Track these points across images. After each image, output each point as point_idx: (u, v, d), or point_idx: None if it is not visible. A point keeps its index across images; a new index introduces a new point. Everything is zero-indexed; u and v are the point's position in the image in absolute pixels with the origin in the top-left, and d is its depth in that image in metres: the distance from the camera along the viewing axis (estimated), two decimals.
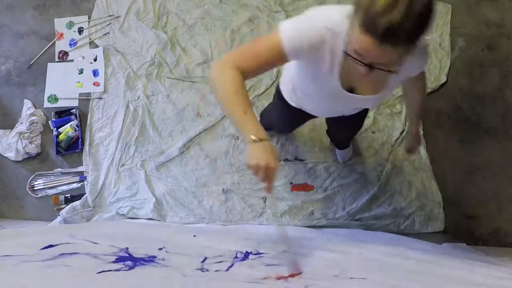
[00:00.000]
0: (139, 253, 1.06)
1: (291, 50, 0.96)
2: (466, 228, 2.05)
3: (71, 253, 0.96)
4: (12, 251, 0.89)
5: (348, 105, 1.23)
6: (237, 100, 0.96)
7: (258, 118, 1.85)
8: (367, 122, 2.20)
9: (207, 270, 1.00)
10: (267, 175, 0.95)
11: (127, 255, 1.03)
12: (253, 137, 0.94)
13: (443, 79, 2.24)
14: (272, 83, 2.30)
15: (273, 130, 2.09)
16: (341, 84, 1.07)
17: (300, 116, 1.51)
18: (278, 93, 1.48)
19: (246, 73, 0.99)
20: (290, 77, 1.30)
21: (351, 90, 1.11)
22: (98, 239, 1.13)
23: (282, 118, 1.70)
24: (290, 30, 0.96)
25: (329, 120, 1.83)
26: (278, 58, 0.98)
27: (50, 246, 0.98)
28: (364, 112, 1.53)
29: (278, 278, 0.97)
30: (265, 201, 2.15)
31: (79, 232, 1.25)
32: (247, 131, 0.96)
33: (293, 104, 1.42)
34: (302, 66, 1.12)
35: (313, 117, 1.51)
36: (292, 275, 0.99)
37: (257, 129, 0.96)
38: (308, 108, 1.39)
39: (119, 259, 0.98)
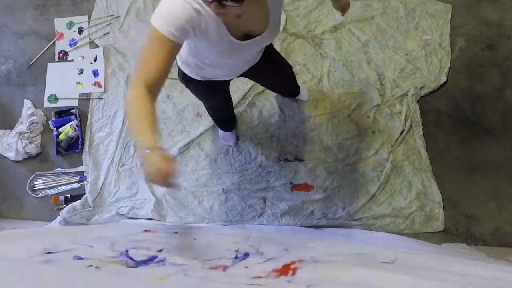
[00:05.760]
0: (140, 255, 1.06)
1: (175, 34, 1.00)
2: (466, 228, 2.04)
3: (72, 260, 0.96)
4: (15, 255, 0.89)
5: (251, 52, 1.27)
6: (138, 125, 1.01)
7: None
8: (367, 122, 2.20)
9: (207, 269, 1.00)
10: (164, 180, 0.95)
11: (128, 259, 1.03)
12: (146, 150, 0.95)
13: (443, 79, 2.24)
14: None
15: (222, 121, 2.09)
16: (234, 37, 1.12)
17: (218, 86, 1.53)
18: (183, 79, 1.49)
19: (155, 82, 1.03)
20: (185, 58, 1.33)
21: (246, 36, 1.15)
22: (99, 244, 1.13)
23: (209, 98, 1.72)
24: (162, 19, 1.00)
25: (255, 77, 1.80)
26: (171, 48, 1.02)
27: (51, 252, 0.99)
28: (272, 52, 1.57)
29: (280, 274, 0.97)
30: (265, 201, 2.15)
31: (80, 236, 1.25)
32: (140, 143, 0.99)
33: (203, 78, 1.44)
34: (192, 42, 1.16)
35: (229, 79, 1.54)
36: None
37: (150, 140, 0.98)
38: (218, 74, 1.41)
39: (121, 263, 0.99)
